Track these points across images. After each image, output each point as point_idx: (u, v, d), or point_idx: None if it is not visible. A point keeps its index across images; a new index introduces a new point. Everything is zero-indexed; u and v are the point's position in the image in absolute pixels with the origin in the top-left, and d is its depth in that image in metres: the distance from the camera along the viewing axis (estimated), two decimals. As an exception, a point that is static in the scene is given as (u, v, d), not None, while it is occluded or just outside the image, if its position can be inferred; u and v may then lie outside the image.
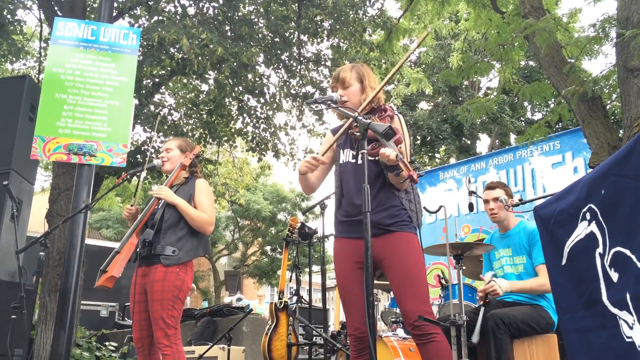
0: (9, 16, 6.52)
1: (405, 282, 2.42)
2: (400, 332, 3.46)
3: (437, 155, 17.68)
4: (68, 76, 4.73)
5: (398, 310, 4.04)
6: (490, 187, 3.67)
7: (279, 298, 4.27)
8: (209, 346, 4.13)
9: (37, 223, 7.06)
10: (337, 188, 2.67)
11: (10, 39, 6.52)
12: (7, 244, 4.60)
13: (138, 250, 3.31)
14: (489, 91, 17.55)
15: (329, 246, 4.11)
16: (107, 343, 6.16)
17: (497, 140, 16.48)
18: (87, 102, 4.75)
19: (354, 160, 2.61)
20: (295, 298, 4.48)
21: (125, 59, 4.98)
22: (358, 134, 2.30)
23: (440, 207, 3.08)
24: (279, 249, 22.30)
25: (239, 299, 9.46)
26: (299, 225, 4.47)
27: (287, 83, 8.17)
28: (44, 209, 6.03)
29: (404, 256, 2.44)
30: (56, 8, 6.19)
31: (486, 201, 3.62)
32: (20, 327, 3.67)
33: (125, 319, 8.45)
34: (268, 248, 22.95)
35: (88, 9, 6.81)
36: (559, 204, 2.16)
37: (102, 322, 7.90)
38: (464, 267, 3.05)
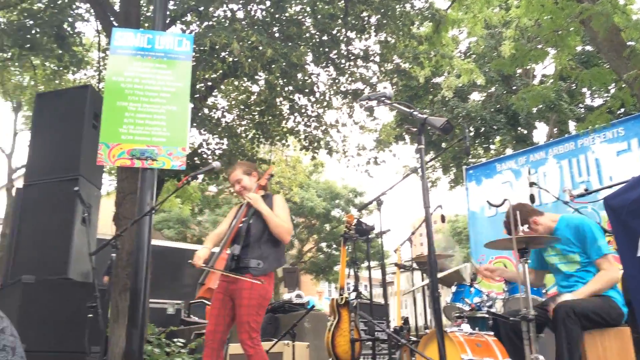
0: (69, 29, 6.82)
1: None
2: (466, 327, 3.42)
3: (492, 146, 17.28)
4: (128, 84, 4.92)
5: (461, 305, 3.99)
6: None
7: (340, 294, 4.30)
8: (274, 342, 4.21)
9: (103, 225, 7.37)
10: None
11: (72, 51, 6.83)
12: (79, 246, 4.81)
13: (228, 262, 3.62)
14: (544, 78, 16.99)
15: (387, 241, 4.12)
16: (175, 339, 6.36)
17: (555, 129, 15.94)
18: (146, 108, 4.92)
19: None
20: (354, 294, 4.50)
21: (180, 65, 5.13)
22: (415, 129, 2.29)
23: (505, 200, 3.01)
24: (334, 245, 22.40)
25: (299, 296, 9.55)
26: (355, 221, 4.48)
27: (337, 81, 8.19)
28: (109, 212, 6.28)
29: None
30: (112, 18, 6.43)
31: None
32: (96, 326, 3.85)
33: (191, 316, 8.69)
34: (323, 245, 23.08)
35: (142, 17, 7.04)
36: (632, 194, 2.08)
37: (169, 319, 8.15)
38: (529, 261, 2.98)
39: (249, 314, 3.49)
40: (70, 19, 6.74)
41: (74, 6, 6.91)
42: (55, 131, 5.23)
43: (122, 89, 4.89)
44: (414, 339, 4.25)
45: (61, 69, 7.74)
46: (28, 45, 6.29)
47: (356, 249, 4.64)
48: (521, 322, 2.68)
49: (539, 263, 3.68)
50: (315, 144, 8.34)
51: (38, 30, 6.29)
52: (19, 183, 9.46)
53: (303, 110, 8.38)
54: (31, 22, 6.39)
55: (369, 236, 4.43)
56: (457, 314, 3.74)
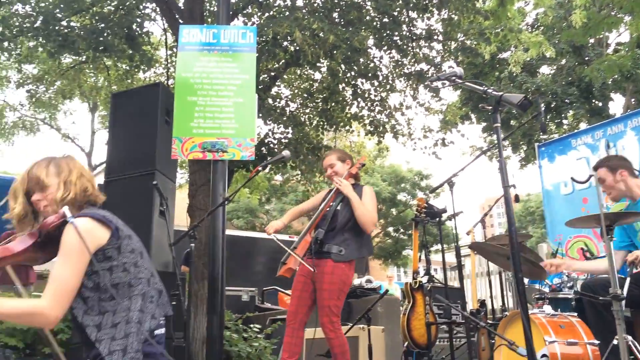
0: (138, 29, 7.07)
1: None
2: (548, 308, 3.32)
3: (564, 121, 16.53)
4: (196, 79, 5.07)
5: (540, 286, 3.87)
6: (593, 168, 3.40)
7: (413, 278, 4.28)
8: (349, 326, 4.25)
9: (178, 217, 7.65)
10: None
11: (142, 50, 7.08)
12: (159, 238, 5.01)
13: (311, 245, 3.72)
14: (619, 47, 16.02)
15: (460, 224, 4.05)
16: (251, 325, 6.54)
17: (632, 100, 15.03)
18: (215, 102, 5.06)
19: None
20: (426, 278, 4.46)
21: (245, 57, 5.22)
22: (489, 107, 2.22)
23: (591, 176, 2.87)
24: (401, 230, 22.25)
25: (369, 281, 9.57)
26: (426, 204, 4.43)
27: (400, 63, 8.07)
28: (182, 204, 6.50)
29: None
30: (177, 16, 6.60)
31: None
32: (178, 313, 4.02)
33: (265, 303, 8.91)
34: (391, 229, 22.95)
35: (205, 13, 7.20)
36: None
37: (244, 306, 8.40)
38: (615, 239, 2.84)
39: (329, 298, 3.58)
40: (138, 20, 6.97)
41: (141, 7, 7.15)
42: (130, 128, 5.44)
43: (191, 84, 5.04)
44: (490, 322, 4.18)
45: (132, 68, 8.06)
46: (101, 48, 6.57)
47: (425, 232, 4.59)
48: (612, 301, 2.56)
49: (627, 241, 3.50)
50: (381, 128, 8.26)
51: (109, 32, 6.56)
52: (99, 179, 9.97)
53: (366, 95, 8.33)
54: (102, 25, 6.67)
55: (441, 219, 4.36)
56: (537, 296, 3.64)
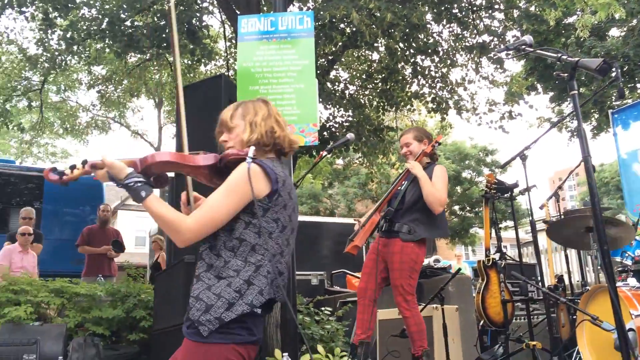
0: (197, 23, 7.23)
1: None
2: (632, 281, 3.17)
3: (638, 85, 15.58)
4: (257, 68, 5.14)
5: (621, 259, 3.71)
6: None
7: (486, 255, 4.19)
8: (423, 306, 4.22)
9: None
10: None
11: (202, 44, 7.24)
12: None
13: (380, 224, 3.74)
14: (697, 0, 14.87)
15: (533, 198, 3.92)
16: (322, 308, 6.63)
17: None
18: (276, 89, 5.11)
19: None
20: (498, 255, 4.36)
21: (303, 43, 5.23)
22: (565, 74, 2.13)
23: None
24: (467, 208, 21.81)
25: (437, 260, 9.47)
26: (496, 180, 4.31)
27: (460, 36, 7.85)
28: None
29: None
30: (234, 7, 6.69)
31: None
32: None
33: (334, 286, 9.00)
34: (456, 208, 22.54)
35: (261, 1, 7.25)
36: None
37: (314, 290, 8.51)
38: None
39: (401, 277, 3.59)
40: (197, 14, 7.13)
41: (199, 1, 7.29)
42: (196, 121, 5.57)
43: (252, 73, 5.11)
44: (570, 297, 4.04)
45: (194, 62, 8.26)
46: (164, 44, 6.77)
47: (495, 209, 4.48)
48: None
49: None
50: (443, 105, 8.09)
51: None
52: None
53: (427, 72, 8.17)
54: (164, 22, 6.87)
55: (512, 194, 4.24)
56: (620, 269, 3.49)
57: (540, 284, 4.44)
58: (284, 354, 3.94)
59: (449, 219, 22.93)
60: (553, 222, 4.00)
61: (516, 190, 4.21)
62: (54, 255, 8.22)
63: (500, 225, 5.37)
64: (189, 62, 8.62)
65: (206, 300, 1.69)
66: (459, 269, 5.07)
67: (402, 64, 8.14)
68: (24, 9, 7.80)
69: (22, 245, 6.70)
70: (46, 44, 8.03)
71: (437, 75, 8.18)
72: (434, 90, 8.23)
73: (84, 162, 1.69)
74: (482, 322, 4.44)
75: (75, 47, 7.66)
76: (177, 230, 1.69)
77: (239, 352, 1.69)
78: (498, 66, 8.10)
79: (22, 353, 5.21)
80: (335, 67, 8.58)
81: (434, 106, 8.17)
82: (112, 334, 5.83)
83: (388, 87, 8.22)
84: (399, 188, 3.81)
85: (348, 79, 9.18)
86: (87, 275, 7.09)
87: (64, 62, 8.37)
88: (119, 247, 7.37)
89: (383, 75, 8.21)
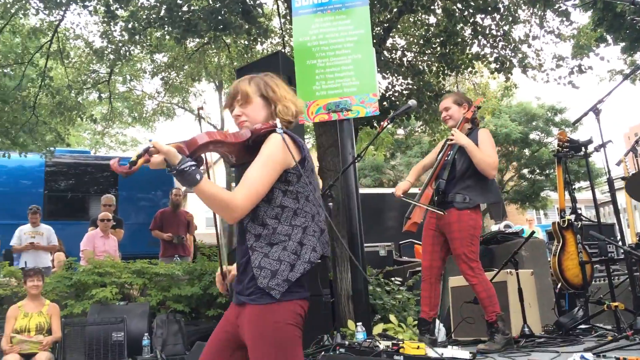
0: (251, 2, 7.26)
1: None
2: None
3: None
4: (313, 42, 5.13)
5: None
6: None
7: (561, 217, 4.05)
8: (496, 272, 4.15)
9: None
10: None
11: (258, 23, 7.27)
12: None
13: (434, 197, 3.74)
14: None
15: (609, 155, 3.73)
16: (392, 279, 6.65)
17: None
18: (333, 62, 5.09)
19: None
20: (573, 216, 4.20)
21: (358, 12, 5.16)
22: (641, 18, 1.99)
23: None
24: (537, 170, 21.05)
25: (507, 226, 9.25)
26: (568, 138, 4.13)
27: (523, -12, 7.49)
28: (312, 167, 6.69)
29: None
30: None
31: None
32: (323, 271, 4.21)
33: (403, 256, 8.99)
34: (525, 171, 21.80)
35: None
36: None
37: (382, 261, 8.54)
38: None
39: (462, 246, 3.57)
40: (251, -7, 7.16)
41: (252, -21, 7.31)
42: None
43: (309, 47, 5.11)
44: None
45: (251, 42, 8.34)
46: (221, 27, 6.86)
47: (568, 170, 4.30)
48: None
49: None
50: (507, 64, 7.77)
51: (226, 10, 6.81)
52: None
53: (487, 32, 7.86)
54: (219, 4, 6.94)
55: (587, 151, 4.05)
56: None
57: (620, 243, 4.24)
58: (358, 324, 3.99)
59: (518, 183, 22.25)
60: (632, 177, 3.79)
61: (590, 147, 4.02)
62: (131, 238, 8.64)
63: (574, 186, 5.14)
64: (246, 43, 8.71)
65: (269, 267, 1.77)
66: (533, 232, 4.93)
67: (461, 25, 7.87)
68: (87, 2, 8.11)
69: (102, 231, 7.08)
70: (110, 36, 8.34)
71: (499, 34, 7.84)
72: (496, 50, 7.91)
73: (145, 151, 1.70)
74: (559, 285, 4.32)
75: (137, 37, 7.90)
76: (230, 208, 1.74)
77: (302, 306, 1.80)
78: (564, 19, 7.67)
79: (111, 331, 5.54)
80: (391, 34, 8.40)
81: (497, 66, 7.86)
82: (192, 310, 6.10)
83: (447, 50, 7.97)
84: (446, 159, 3.78)
85: (405, 46, 8.99)
86: (164, 256, 7.42)
87: (127, 53, 8.67)
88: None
89: (441, 38, 7.97)
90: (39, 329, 5.06)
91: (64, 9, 8.19)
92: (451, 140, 3.74)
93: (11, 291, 5.94)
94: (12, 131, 8.96)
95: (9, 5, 7.95)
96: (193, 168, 1.70)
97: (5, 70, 8.65)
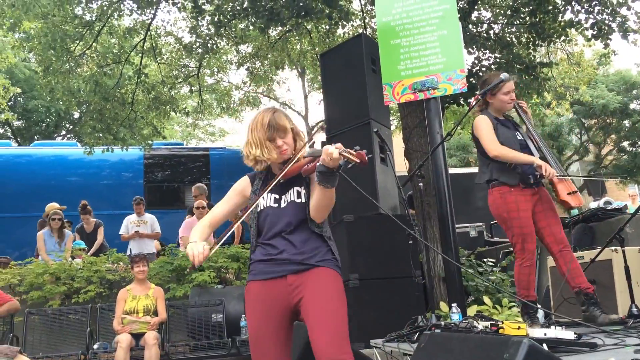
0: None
1: (321, 315, 2.14)
2: None
3: None
4: (397, 21, 5.05)
5: None
6: None
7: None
8: (599, 250, 3.95)
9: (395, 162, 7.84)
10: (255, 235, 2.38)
11: (339, 6, 7.25)
12: (383, 183, 5.18)
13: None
14: None
15: None
16: (484, 260, 6.50)
17: None
18: (418, 40, 5.00)
19: (275, 205, 2.33)
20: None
21: (441, -14, 5.01)
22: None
23: None
24: (639, 142, 19.61)
25: (608, 202, 8.74)
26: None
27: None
28: (396, 149, 6.62)
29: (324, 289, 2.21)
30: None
31: None
32: (414, 252, 4.18)
33: (494, 237, 8.75)
34: (625, 144, 20.38)
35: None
36: None
37: (473, 241, 8.38)
38: None
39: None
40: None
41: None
42: (342, 83, 5.64)
43: (392, 27, 5.05)
44: None
45: (332, 26, 8.34)
46: (302, 13, 6.91)
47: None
48: None
49: None
50: (606, 29, 7.23)
51: (307, -5, 6.86)
52: (320, 137, 10.66)
53: (581, -5, 7.36)
54: (300, -10, 6.99)
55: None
56: None
57: None
58: (452, 305, 3.94)
59: (618, 157, 20.87)
60: None
61: None
62: (225, 224, 8.98)
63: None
64: (327, 27, 8.73)
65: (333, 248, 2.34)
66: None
67: (552, -9, 7.42)
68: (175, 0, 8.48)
69: (198, 218, 7.43)
70: (198, 31, 8.66)
71: (595, -4, 7.32)
72: (592, 15, 7.38)
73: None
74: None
75: (222, 30, 8.14)
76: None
77: None
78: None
79: (211, 313, 5.85)
80: (476, 7, 8.09)
81: (594, 32, 7.34)
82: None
83: (537, 19, 7.55)
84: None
85: (492, 18, 8.62)
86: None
87: (214, 45, 8.96)
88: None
89: (531, 7, 7.55)
90: (146, 311, 5.42)
91: (155, 7, 8.60)
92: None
93: (119, 276, 6.41)
94: (114, 127, 9.56)
95: (105, 8, 8.45)
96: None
97: (104, 70, 9.22)
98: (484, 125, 3.65)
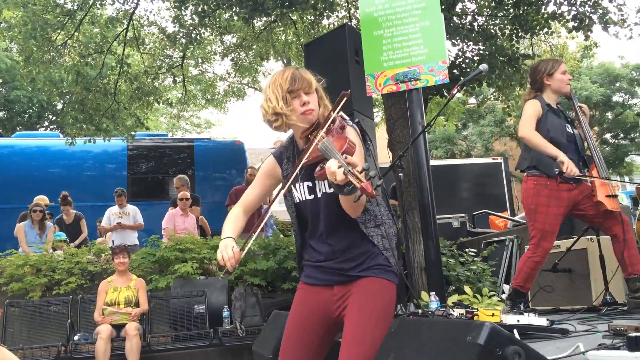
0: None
1: (353, 340, 1.94)
2: None
3: None
4: (380, 12, 5.05)
5: None
6: None
7: (647, 181, 3.85)
8: (575, 239, 4.01)
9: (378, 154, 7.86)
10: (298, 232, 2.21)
11: (325, -4, 7.21)
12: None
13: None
14: None
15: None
16: (466, 250, 6.57)
17: None
18: (401, 30, 5.00)
19: (311, 197, 2.08)
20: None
21: (424, -23, 5.01)
22: None
23: None
24: (621, 135, 19.90)
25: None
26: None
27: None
28: (380, 141, 6.64)
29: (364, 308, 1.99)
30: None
31: None
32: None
33: (477, 227, 8.83)
34: (608, 135, 20.66)
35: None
36: None
37: (455, 232, 8.44)
38: None
39: None
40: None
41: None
42: (325, 74, 5.60)
43: (375, 18, 5.04)
44: None
45: (317, 17, 8.31)
46: (287, 3, 6.88)
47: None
48: None
49: None
50: (587, 22, 7.28)
51: (291, -15, 6.82)
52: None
53: (564, -12, 7.41)
54: (284, -20, 6.95)
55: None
56: None
57: None
58: (431, 293, 3.98)
59: (601, 148, 21.13)
60: None
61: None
62: (209, 215, 8.97)
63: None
64: (312, 18, 8.70)
65: (389, 246, 2.09)
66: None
67: (536, -17, 7.46)
68: (158, -12, 8.39)
69: (182, 209, 7.41)
70: (181, 20, 8.58)
71: (576, -12, 7.37)
72: (574, 8, 7.43)
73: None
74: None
75: (206, 20, 8.08)
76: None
77: None
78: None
79: (194, 304, 5.85)
80: (459, -1, 8.12)
81: (576, 24, 7.40)
82: (268, 284, 6.32)
83: (521, 11, 7.59)
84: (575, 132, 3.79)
85: (476, 10, 8.65)
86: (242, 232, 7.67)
87: (198, 36, 8.90)
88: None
89: (514, -1, 7.60)
90: (128, 302, 5.41)
91: (137, -4, 8.52)
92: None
93: (101, 268, 6.38)
94: (96, 117, 9.46)
95: (86, -3, 8.36)
96: None
97: (86, 60, 9.11)
98: (527, 108, 3.64)
